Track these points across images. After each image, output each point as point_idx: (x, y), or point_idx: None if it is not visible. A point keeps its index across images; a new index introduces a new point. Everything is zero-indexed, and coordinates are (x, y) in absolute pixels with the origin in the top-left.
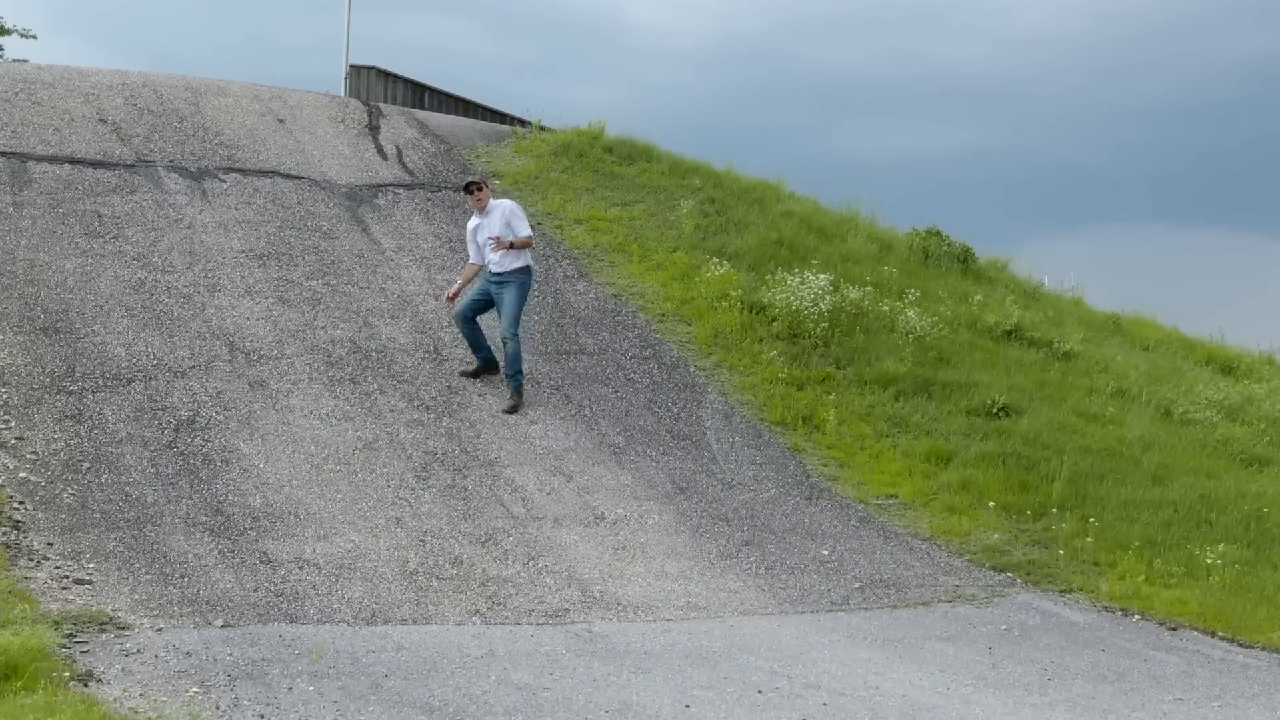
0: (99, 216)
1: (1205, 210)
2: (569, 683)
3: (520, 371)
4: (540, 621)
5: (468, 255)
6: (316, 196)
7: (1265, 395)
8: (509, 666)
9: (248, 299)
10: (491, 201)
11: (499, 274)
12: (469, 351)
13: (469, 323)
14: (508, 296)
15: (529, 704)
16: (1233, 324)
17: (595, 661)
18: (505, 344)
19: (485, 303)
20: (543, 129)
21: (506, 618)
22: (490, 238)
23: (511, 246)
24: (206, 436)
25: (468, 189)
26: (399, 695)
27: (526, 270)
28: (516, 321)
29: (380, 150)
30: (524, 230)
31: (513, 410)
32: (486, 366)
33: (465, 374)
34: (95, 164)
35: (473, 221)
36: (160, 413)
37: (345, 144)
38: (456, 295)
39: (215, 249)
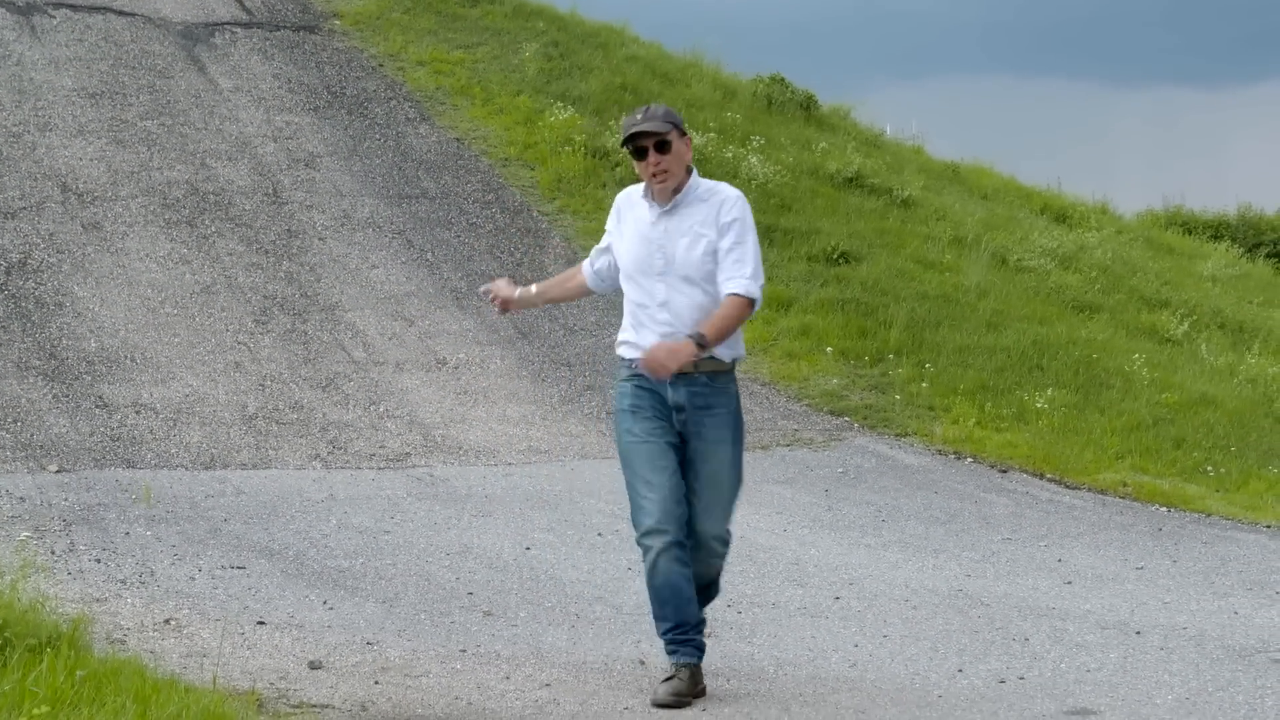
0: None
1: (1044, 59)
2: (410, 526)
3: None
4: (381, 466)
5: (586, 259)
6: (151, 34)
7: (1097, 243)
8: (350, 510)
9: (80, 139)
10: (695, 179)
11: (708, 381)
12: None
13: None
14: (716, 440)
15: (370, 547)
16: (1069, 172)
17: (436, 505)
18: (713, 560)
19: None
20: None
21: (347, 462)
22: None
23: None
24: (39, 279)
25: (638, 146)
26: (238, 539)
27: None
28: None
29: None
30: (754, 266)
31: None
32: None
33: (677, 699)
34: None
35: (630, 213)
36: None
37: None
38: (509, 300)
39: (45, 87)
